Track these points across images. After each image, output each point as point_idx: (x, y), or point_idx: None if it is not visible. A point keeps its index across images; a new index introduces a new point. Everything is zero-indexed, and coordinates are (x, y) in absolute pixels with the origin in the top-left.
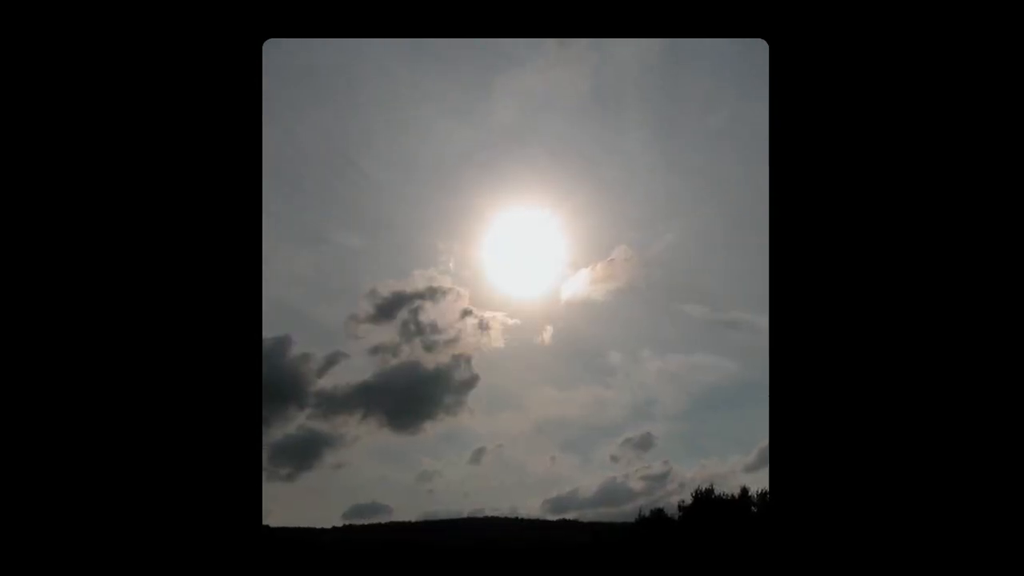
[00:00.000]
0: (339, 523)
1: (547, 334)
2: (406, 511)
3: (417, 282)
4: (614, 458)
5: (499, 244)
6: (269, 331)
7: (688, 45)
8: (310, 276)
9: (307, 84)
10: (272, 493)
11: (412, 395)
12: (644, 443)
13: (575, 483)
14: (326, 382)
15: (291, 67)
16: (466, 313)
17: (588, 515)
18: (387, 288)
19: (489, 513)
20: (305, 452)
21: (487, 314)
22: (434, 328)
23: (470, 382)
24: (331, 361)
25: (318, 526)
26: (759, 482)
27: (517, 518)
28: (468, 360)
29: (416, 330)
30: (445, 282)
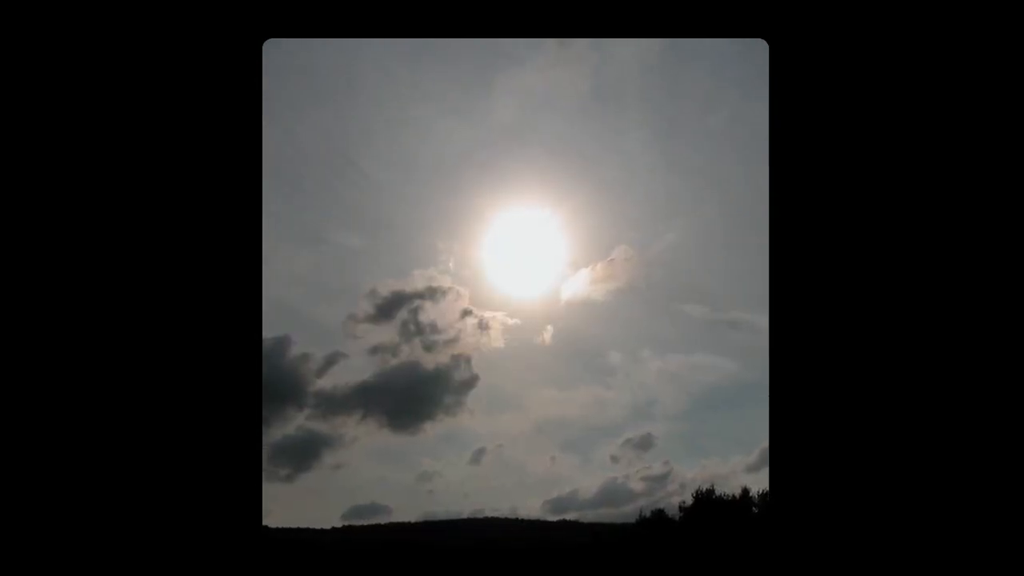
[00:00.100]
0: (338, 524)
1: (547, 334)
2: (406, 512)
3: (417, 282)
4: (614, 458)
5: (499, 244)
6: (268, 331)
7: (688, 45)
8: (309, 276)
9: (307, 84)
10: (271, 494)
11: (412, 395)
12: (644, 443)
13: (575, 484)
14: (325, 382)
15: (291, 67)
16: (466, 313)
17: (588, 516)
18: (387, 288)
19: (489, 514)
20: (304, 453)
21: (487, 314)
22: (434, 328)
23: (470, 382)
24: (330, 361)
25: (317, 527)
26: (760, 482)
27: (517, 519)
28: (468, 360)
29: (416, 330)
30: (445, 282)
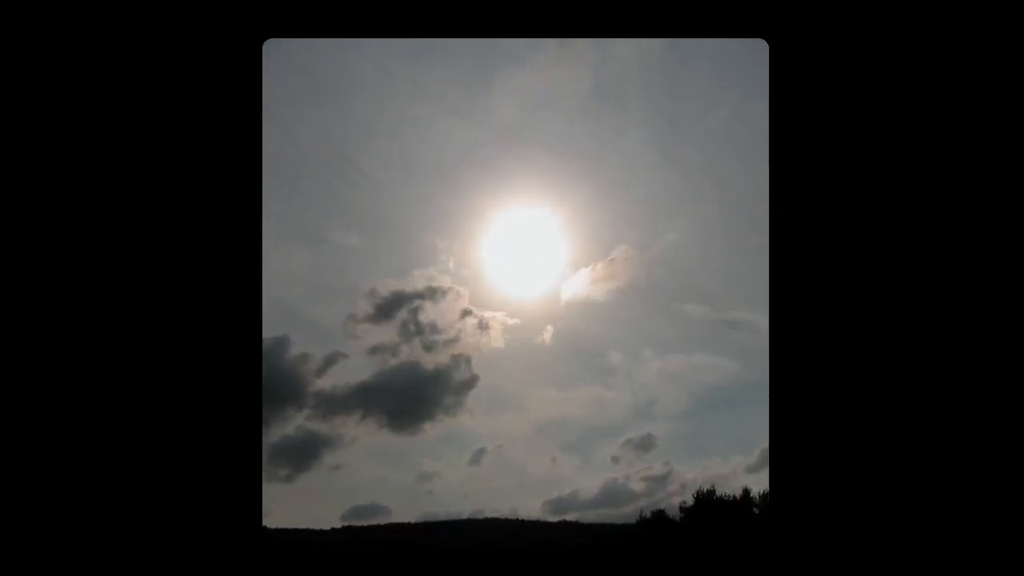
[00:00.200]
0: (338, 524)
1: (547, 334)
2: (405, 512)
3: (416, 282)
4: (615, 459)
5: (499, 243)
6: (267, 331)
7: (689, 43)
8: (309, 276)
9: (307, 84)
10: (270, 494)
11: (411, 395)
12: (645, 444)
13: (576, 484)
14: (325, 382)
15: (291, 67)
16: (466, 313)
17: (589, 516)
18: (386, 288)
19: (489, 514)
20: (304, 453)
21: (487, 314)
22: (434, 328)
23: (470, 382)
24: (330, 361)
25: (317, 527)
26: (761, 483)
27: (517, 519)
28: (468, 360)
29: (415, 330)
30: (445, 282)
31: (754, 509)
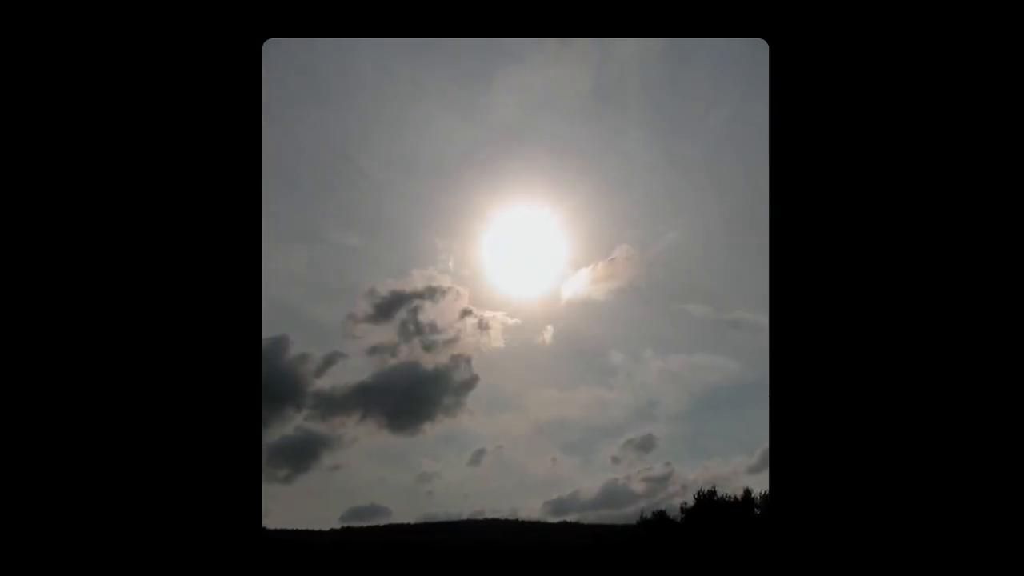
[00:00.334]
0: (337, 525)
1: (548, 334)
2: (405, 513)
3: (416, 281)
4: (615, 459)
5: (499, 243)
6: (266, 331)
7: (690, 43)
8: (308, 275)
9: (307, 84)
10: (269, 495)
11: (411, 396)
12: (646, 444)
13: (576, 485)
14: (324, 383)
15: (291, 67)
16: (466, 313)
17: (589, 517)
18: (386, 287)
19: (489, 515)
20: (303, 453)
21: (487, 314)
22: (433, 328)
23: (470, 383)
24: (329, 361)
25: (316, 528)
26: (762, 484)
27: (517, 520)
28: (468, 360)
29: (415, 330)
30: (444, 281)
31: (755, 510)
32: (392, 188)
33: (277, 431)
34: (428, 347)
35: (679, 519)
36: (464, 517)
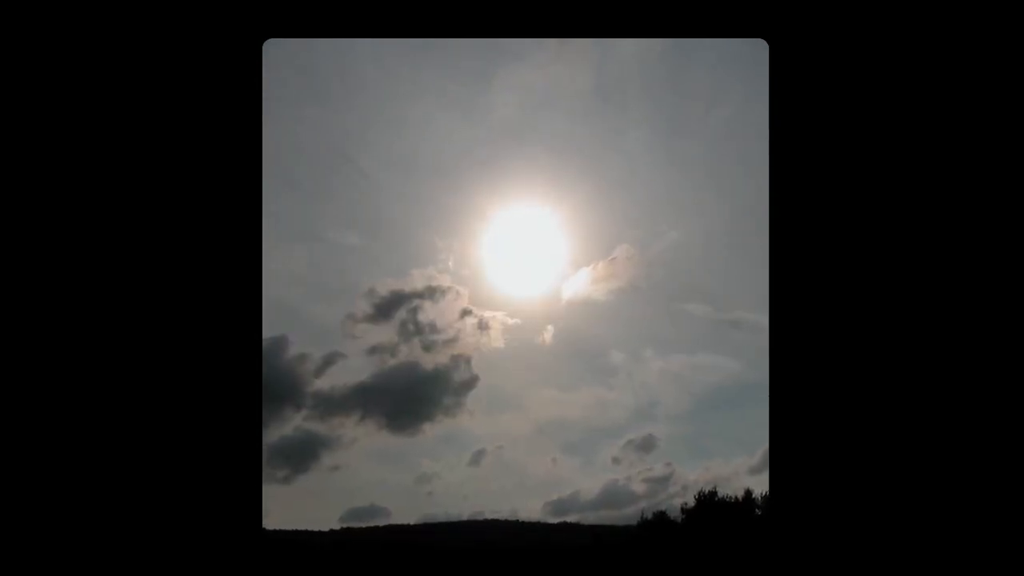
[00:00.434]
0: (337, 526)
1: (548, 334)
2: (405, 514)
3: (416, 281)
4: (616, 460)
5: (499, 242)
6: (266, 331)
7: (690, 43)
8: (307, 275)
9: (307, 84)
10: (269, 495)
11: (411, 396)
12: (646, 445)
13: (576, 485)
14: (323, 383)
15: (291, 67)
16: (465, 313)
17: (589, 518)
18: (385, 287)
19: (489, 516)
20: (302, 454)
21: (487, 314)
22: (433, 328)
23: (470, 383)
24: (328, 361)
25: (315, 529)
26: (763, 484)
27: (517, 521)
28: (468, 360)
29: (415, 330)
30: (444, 281)
31: (756, 511)
32: (392, 188)
33: (276, 431)
34: (428, 347)
35: (680, 520)
36: (464, 518)
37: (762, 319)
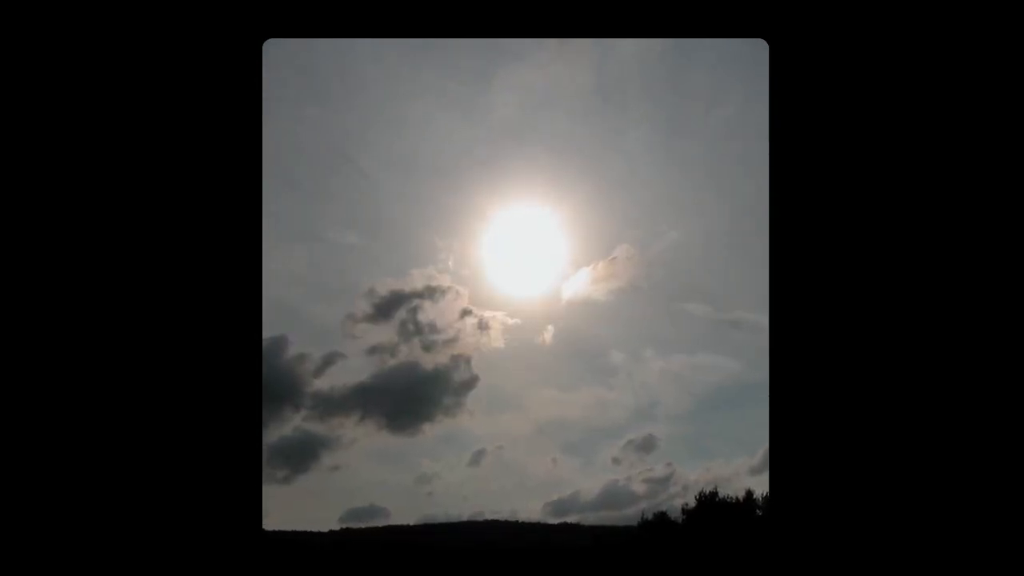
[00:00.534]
0: (336, 526)
1: (548, 334)
2: (404, 514)
3: (415, 281)
4: (616, 460)
5: (499, 242)
6: (265, 331)
7: (690, 43)
8: (307, 275)
9: (307, 84)
10: (268, 496)
11: (410, 396)
12: (647, 445)
13: (576, 486)
14: (323, 383)
15: (291, 67)
16: (465, 313)
17: (590, 518)
18: (385, 287)
19: (489, 516)
20: (302, 454)
21: (487, 314)
22: (433, 328)
23: (469, 383)
24: (328, 361)
25: (315, 529)
26: (764, 485)
27: (517, 521)
28: (467, 360)
29: (415, 330)
30: (444, 281)
31: (757, 511)
32: (392, 188)
33: (276, 432)
34: (428, 347)
35: (680, 520)
36: (464, 518)
37: (762, 319)
